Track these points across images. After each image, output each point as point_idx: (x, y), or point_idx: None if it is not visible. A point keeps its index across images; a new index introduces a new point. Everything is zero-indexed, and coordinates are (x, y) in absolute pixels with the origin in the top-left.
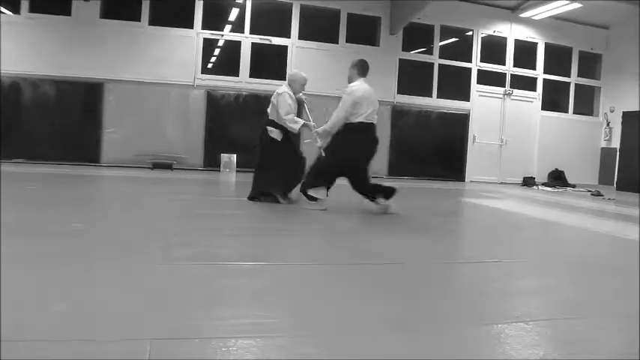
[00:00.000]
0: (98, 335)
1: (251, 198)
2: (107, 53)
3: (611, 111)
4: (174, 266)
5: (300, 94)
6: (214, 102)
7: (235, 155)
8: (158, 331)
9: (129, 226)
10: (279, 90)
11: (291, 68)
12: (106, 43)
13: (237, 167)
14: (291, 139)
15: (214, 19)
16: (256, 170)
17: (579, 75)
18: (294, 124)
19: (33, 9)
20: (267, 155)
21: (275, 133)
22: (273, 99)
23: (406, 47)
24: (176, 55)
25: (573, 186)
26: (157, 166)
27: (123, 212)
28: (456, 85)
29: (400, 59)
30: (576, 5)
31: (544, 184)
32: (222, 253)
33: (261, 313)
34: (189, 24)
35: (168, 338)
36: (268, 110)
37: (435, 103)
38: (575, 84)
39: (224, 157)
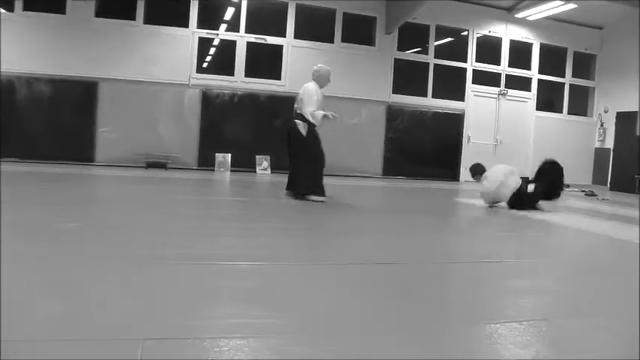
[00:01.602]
0: (89, 335)
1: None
2: (102, 52)
3: (605, 111)
4: (166, 266)
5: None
6: (209, 101)
7: (230, 155)
8: (150, 331)
9: (121, 226)
10: (307, 86)
11: (287, 67)
12: (100, 41)
13: (231, 167)
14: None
15: (210, 18)
16: (295, 165)
17: (574, 75)
18: (317, 119)
19: (27, 7)
20: (299, 149)
21: (301, 126)
22: (300, 94)
23: (401, 47)
24: (171, 54)
25: (567, 186)
26: (151, 165)
27: (115, 212)
28: (451, 84)
29: (395, 59)
30: (571, 6)
31: None
32: (215, 253)
33: (254, 313)
34: (184, 23)
35: (160, 338)
36: (295, 105)
37: (430, 102)
38: (570, 84)
39: (219, 156)
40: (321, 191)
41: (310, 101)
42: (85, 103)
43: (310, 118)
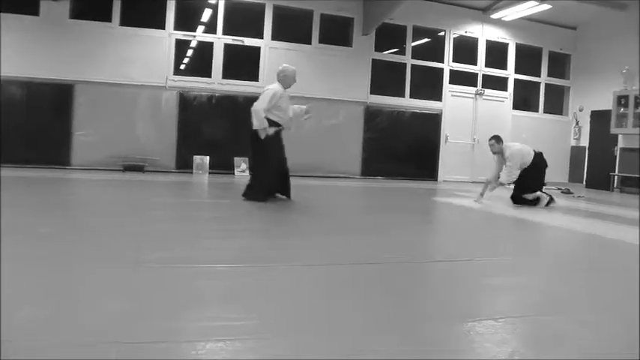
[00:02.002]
0: (62, 340)
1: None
2: (77, 54)
3: (580, 110)
4: (144, 269)
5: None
6: (187, 103)
7: (208, 157)
8: (126, 335)
9: (97, 229)
10: (268, 87)
11: (264, 68)
12: (76, 43)
13: (210, 169)
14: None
15: (187, 19)
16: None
17: (549, 75)
18: (258, 121)
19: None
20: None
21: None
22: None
23: (379, 48)
24: (148, 56)
25: (544, 184)
26: (128, 168)
27: (93, 215)
28: (429, 85)
29: (373, 59)
30: (545, 7)
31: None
32: (194, 256)
33: (233, 315)
34: (161, 24)
35: (136, 342)
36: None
37: (407, 103)
38: (545, 84)
39: (197, 158)
40: (259, 196)
41: (262, 101)
42: (60, 105)
43: (253, 116)
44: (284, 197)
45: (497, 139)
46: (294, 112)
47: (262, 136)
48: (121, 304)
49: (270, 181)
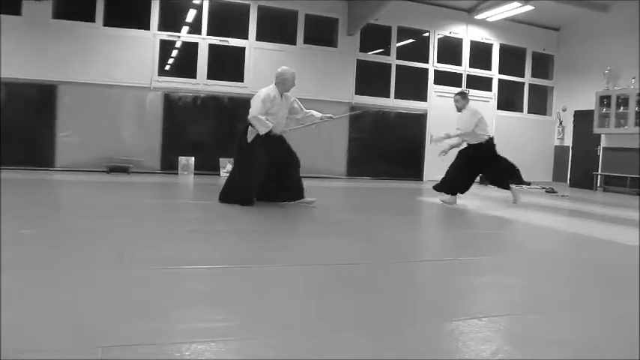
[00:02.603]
0: (46, 342)
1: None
2: (60, 54)
3: (564, 110)
4: (128, 270)
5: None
6: (171, 104)
7: (193, 158)
8: (110, 336)
9: (82, 231)
10: (261, 90)
11: (250, 69)
12: (59, 44)
13: (195, 170)
14: (271, 140)
15: (171, 20)
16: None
17: (533, 75)
18: (261, 126)
19: None
20: (240, 157)
21: (250, 132)
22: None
23: (364, 48)
24: (132, 57)
25: (528, 183)
26: (113, 169)
27: (76, 217)
28: (414, 85)
29: (358, 60)
30: (528, 8)
31: None
32: (179, 257)
33: (217, 316)
34: (145, 25)
35: (121, 344)
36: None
37: (392, 103)
38: (529, 84)
39: (182, 159)
40: (245, 200)
41: (255, 107)
42: (44, 106)
43: (253, 122)
44: (284, 203)
45: (462, 95)
46: (319, 118)
47: (249, 137)
48: (105, 306)
49: (249, 185)
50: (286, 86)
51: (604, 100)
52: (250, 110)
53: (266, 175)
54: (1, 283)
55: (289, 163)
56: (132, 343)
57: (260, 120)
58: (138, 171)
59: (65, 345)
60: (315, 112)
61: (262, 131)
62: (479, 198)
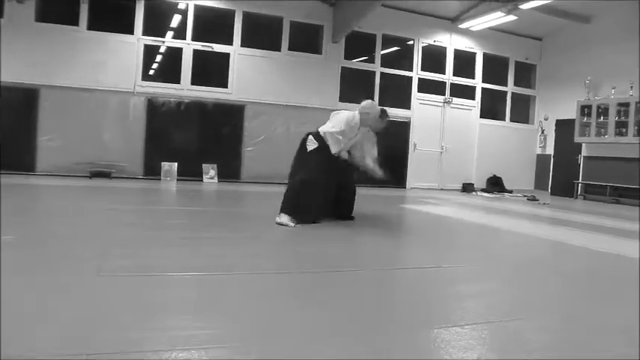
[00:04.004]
0: (27, 353)
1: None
2: (43, 58)
3: (545, 119)
4: (111, 278)
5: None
6: (155, 109)
7: (176, 164)
8: (90, 346)
9: (62, 237)
10: (344, 111)
11: (234, 75)
12: (41, 47)
13: (178, 176)
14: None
15: (156, 25)
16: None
17: (515, 84)
18: (334, 143)
19: None
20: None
21: (310, 144)
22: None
23: (348, 55)
24: (116, 61)
25: (510, 191)
26: (95, 174)
27: (56, 222)
28: (397, 93)
29: (342, 67)
30: (512, 18)
31: (482, 190)
32: (162, 264)
33: (199, 324)
34: (129, 29)
35: (100, 353)
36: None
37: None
38: (512, 93)
39: (165, 165)
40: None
41: (336, 122)
42: (25, 110)
43: (327, 137)
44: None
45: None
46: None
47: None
48: (85, 314)
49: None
50: (366, 121)
51: (585, 109)
52: (327, 125)
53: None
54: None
55: (345, 190)
56: (111, 351)
57: (334, 136)
58: (120, 176)
59: (48, 354)
60: (369, 160)
61: (333, 149)
62: (460, 205)
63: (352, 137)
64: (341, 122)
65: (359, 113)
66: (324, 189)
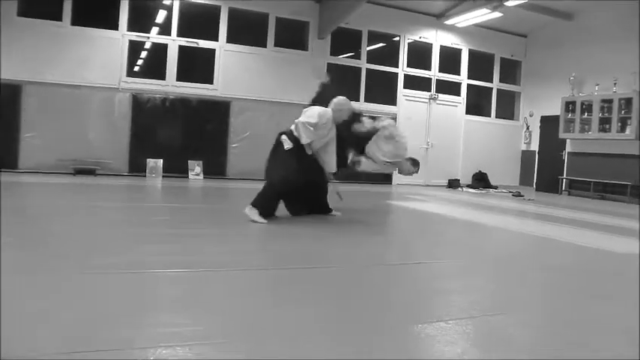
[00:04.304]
0: (7, 351)
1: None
2: (26, 54)
3: (530, 115)
4: (95, 275)
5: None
6: (140, 106)
7: (162, 160)
8: (74, 344)
9: (47, 235)
10: (315, 112)
11: (219, 71)
12: (24, 43)
13: (163, 172)
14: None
15: (141, 20)
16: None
17: (501, 80)
18: (305, 133)
19: None
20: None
21: (286, 143)
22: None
23: (334, 52)
24: (100, 57)
25: (495, 187)
26: (79, 171)
27: (40, 220)
28: (383, 89)
29: (329, 63)
30: (497, 14)
31: (468, 186)
32: (147, 261)
33: (184, 321)
34: (114, 25)
35: (84, 351)
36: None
37: (362, 107)
38: (497, 89)
39: (150, 162)
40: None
41: (309, 114)
42: (8, 107)
43: (299, 127)
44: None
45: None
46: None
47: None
48: (69, 312)
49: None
50: (340, 117)
51: (569, 105)
52: (301, 117)
53: (297, 190)
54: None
55: (319, 186)
56: (95, 349)
57: (305, 126)
58: (105, 173)
59: (32, 352)
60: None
61: (304, 140)
62: (446, 201)
63: (325, 135)
64: (314, 115)
65: (332, 110)
66: (301, 187)
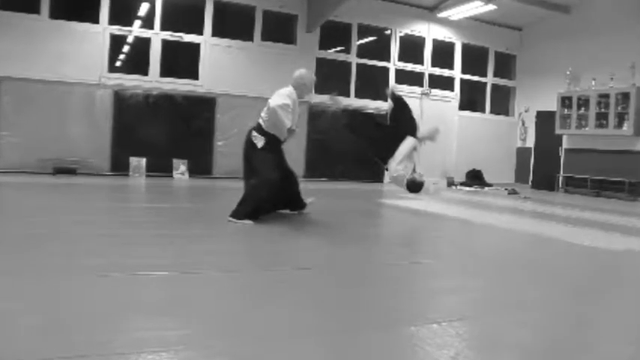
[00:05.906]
0: None
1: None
2: (1, 48)
3: (526, 111)
4: (77, 277)
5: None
6: (122, 102)
7: (145, 159)
8: (55, 348)
9: (24, 236)
10: (280, 90)
11: (205, 66)
12: (0, 37)
13: (147, 171)
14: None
15: (122, 13)
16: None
17: (495, 75)
18: (286, 118)
19: None
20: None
21: (258, 140)
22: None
23: (323, 46)
24: (80, 52)
25: (490, 185)
26: (59, 171)
27: (19, 222)
28: (374, 84)
29: (317, 58)
30: (491, 7)
31: (462, 184)
32: (129, 263)
33: (168, 324)
34: (94, 18)
35: (65, 357)
36: (262, 114)
37: (353, 102)
38: (492, 84)
39: (133, 160)
40: (250, 215)
41: (279, 96)
42: None
43: (278, 112)
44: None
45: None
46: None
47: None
48: (50, 315)
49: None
50: (303, 92)
51: (565, 101)
52: (272, 101)
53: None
54: None
55: (291, 176)
56: (76, 355)
57: (287, 110)
58: (86, 172)
59: (9, 357)
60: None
61: (287, 123)
62: (439, 199)
63: (296, 113)
64: (283, 96)
65: (295, 86)
66: (280, 185)
